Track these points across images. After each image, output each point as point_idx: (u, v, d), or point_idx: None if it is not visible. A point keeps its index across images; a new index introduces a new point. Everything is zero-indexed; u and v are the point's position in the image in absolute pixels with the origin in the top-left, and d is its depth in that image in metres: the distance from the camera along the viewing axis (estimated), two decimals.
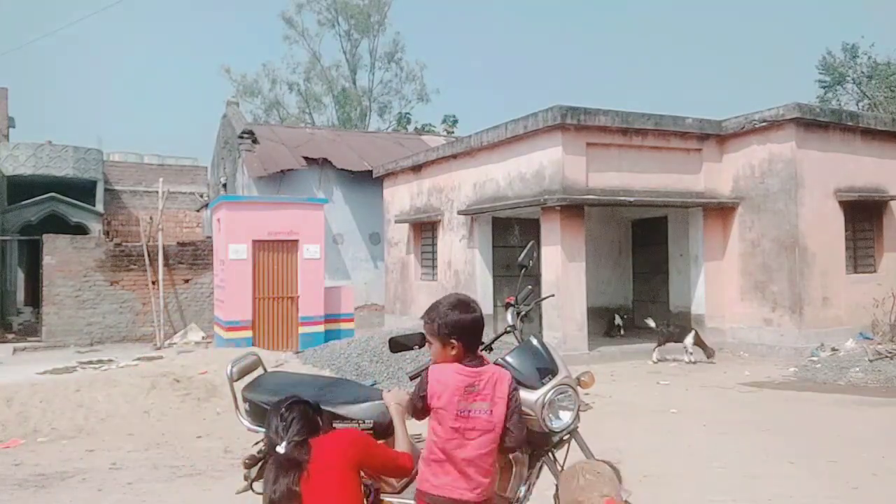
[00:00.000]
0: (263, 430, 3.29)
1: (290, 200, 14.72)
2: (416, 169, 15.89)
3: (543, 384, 2.83)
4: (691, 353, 11.01)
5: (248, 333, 12.37)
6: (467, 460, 2.56)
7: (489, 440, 2.58)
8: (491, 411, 2.58)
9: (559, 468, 2.95)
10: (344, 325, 13.43)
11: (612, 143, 11.71)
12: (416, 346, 3.07)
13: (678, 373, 10.33)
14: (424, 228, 15.85)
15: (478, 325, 2.66)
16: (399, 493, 2.91)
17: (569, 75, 68.46)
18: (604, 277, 14.67)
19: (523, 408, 2.79)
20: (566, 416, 2.85)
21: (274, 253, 12.76)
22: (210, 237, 16.68)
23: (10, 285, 17.41)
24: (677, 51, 75.50)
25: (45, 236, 14.95)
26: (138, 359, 12.13)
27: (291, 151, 18.96)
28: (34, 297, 15.94)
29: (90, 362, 11.99)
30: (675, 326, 11.57)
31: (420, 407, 2.67)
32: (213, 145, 23.25)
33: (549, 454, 2.92)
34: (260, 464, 3.37)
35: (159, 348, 14.17)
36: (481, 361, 2.68)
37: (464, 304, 2.66)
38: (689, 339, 11.04)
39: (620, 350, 11.86)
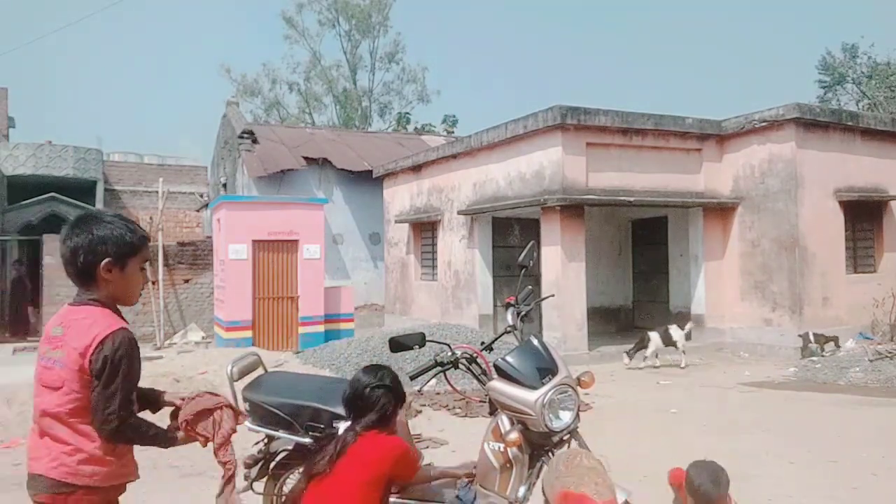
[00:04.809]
0: (264, 429, 3.30)
1: (290, 200, 14.71)
2: (416, 169, 15.89)
3: (543, 384, 2.83)
4: (684, 353, 10.79)
5: (248, 333, 12.37)
6: (39, 420, 2.16)
7: (54, 401, 2.11)
8: (64, 364, 2.11)
9: None
10: (344, 325, 13.43)
11: (612, 143, 11.71)
12: (416, 346, 3.07)
13: (678, 373, 10.33)
14: (424, 228, 15.84)
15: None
16: (398, 493, 2.91)
17: (569, 75, 68.47)
18: (604, 277, 14.68)
19: (522, 407, 2.79)
20: (566, 416, 2.85)
21: (274, 253, 12.76)
22: (210, 237, 16.68)
23: (10, 285, 17.42)
24: (677, 51, 75.55)
25: (45, 236, 14.93)
26: None
27: (291, 151, 18.97)
28: (34, 297, 15.94)
29: None
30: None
31: None
32: (213, 145, 23.26)
33: (549, 454, 2.92)
34: (260, 464, 3.37)
35: (159, 348, 14.17)
36: (95, 302, 2.19)
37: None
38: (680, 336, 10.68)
39: (620, 350, 11.83)
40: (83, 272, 2.19)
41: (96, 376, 2.07)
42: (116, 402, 2.07)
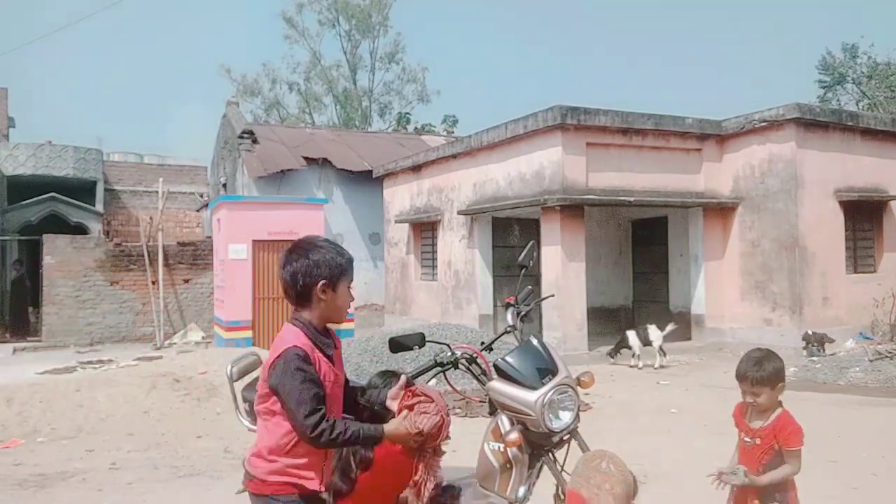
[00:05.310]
0: None
1: (290, 200, 14.71)
2: (416, 169, 15.89)
3: (543, 384, 2.83)
4: (660, 353, 10.66)
5: (248, 333, 12.37)
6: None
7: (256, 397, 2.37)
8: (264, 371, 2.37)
9: (559, 468, 2.94)
10: (344, 325, 13.39)
11: (612, 143, 11.71)
12: (416, 347, 3.06)
13: (678, 373, 10.33)
14: (424, 228, 15.84)
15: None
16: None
17: (569, 75, 68.47)
18: (603, 277, 14.67)
19: (522, 407, 2.79)
20: (566, 416, 2.84)
21: (274, 253, 12.73)
22: (210, 237, 16.68)
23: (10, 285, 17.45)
24: (678, 51, 75.55)
25: (45, 236, 14.94)
26: (138, 359, 12.11)
27: (291, 151, 18.96)
28: (34, 297, 15.94)
29: (90, 362, 11.97)
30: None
31: None
32: (213, 145, 23.25)
33: (549, 454, 2.92)
34: None
35: (159, 348, 14.16)
36: (297, 322, 2.34)
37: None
38: (657, 336, 10.50)
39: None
40: (301, 294, 2.32)
41: (276, 394, 2.23)
42: (300, 415, 2.16)
